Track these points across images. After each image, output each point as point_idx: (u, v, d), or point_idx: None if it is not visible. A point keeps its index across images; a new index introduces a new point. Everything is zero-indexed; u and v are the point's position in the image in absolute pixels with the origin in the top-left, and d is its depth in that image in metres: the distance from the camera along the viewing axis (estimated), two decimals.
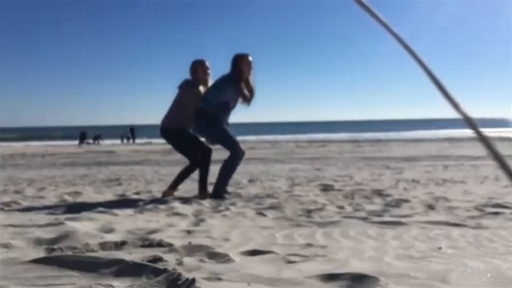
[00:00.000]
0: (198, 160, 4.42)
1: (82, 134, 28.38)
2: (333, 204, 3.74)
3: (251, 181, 5.97)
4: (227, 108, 4.38)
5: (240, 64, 4.37)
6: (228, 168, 4.35)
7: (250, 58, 4.43)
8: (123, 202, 4.08)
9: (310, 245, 2.19)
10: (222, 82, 4.40)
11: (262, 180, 6.06)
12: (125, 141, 29.23)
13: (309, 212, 3.31)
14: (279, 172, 7.55)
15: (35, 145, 25.65)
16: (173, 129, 4.44)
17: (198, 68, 4.51)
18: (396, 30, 0.77)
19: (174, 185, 4.49)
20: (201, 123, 4.35)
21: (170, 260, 1.85)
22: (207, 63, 4.56)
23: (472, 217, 3.00)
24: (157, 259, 1.85)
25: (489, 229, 2.58)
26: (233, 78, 4.35)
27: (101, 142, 28.52)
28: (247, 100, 4.40)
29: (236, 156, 4.35)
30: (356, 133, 36.34)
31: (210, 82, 4.54)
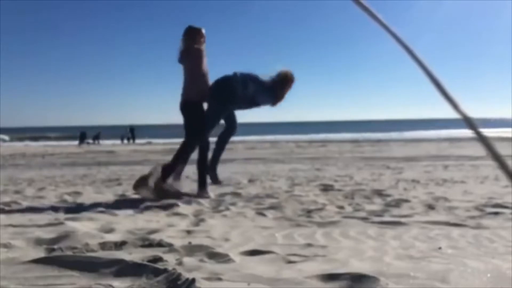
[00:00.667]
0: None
1: (82, 134, 28.40)
2: (333, 204, 3.74)
3: (251, 181, 5.97)
4: (248, 103, 4.47)
5: (285, 90, 4.52)
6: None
7: (294, 81, 4.54)
8: (123, 202, 4.08)
9: (310, 245, 2.19)
10: (266, 89, 4.47)
11: (262, 180, 6.05)
12: (125, 141, 29.23)
13: (309, 212, 3.31)
14: (279, 172, 7.55)
15: (35, 145, 25.66)
16: (191, 101, 4.33)
17: (197, 37, 4.41)
18: (395, 30, 0.77)
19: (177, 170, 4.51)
20: (218, 91, 4.36)
21: (170, 260, 1.85)
22: (203, 31, 4.48)
23: (472, 217, 3.00)
24: (157, 259, 1.85)
25: (489, 229, 2.58)
26: (274, 99, 4.51)
27: (100, 141, 28.53)
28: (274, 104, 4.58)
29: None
30: (356, 133, 36.34)
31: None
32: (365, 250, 2.10)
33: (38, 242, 2.24)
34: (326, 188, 4.95)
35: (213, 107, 4.35)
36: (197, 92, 4.32)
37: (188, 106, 4.33)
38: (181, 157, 4.34)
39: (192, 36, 4.40)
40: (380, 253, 2.02)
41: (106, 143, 27.79)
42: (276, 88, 4.46)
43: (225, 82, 4.38)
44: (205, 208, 3.59)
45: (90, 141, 28.48)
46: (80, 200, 4.36)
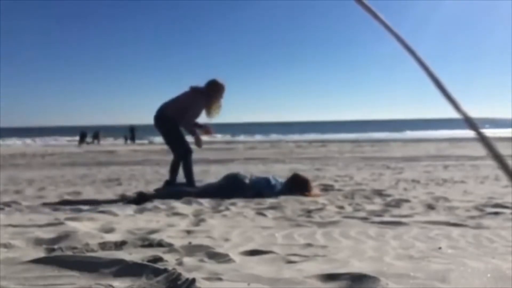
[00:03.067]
0: (180, 154, 4.82)
1: (82, 134, 28.37)
2: (333, 204, 3.74)
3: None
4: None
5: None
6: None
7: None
8: (123, 202, 4.07)
9: (310, 245, 2.19)
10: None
11: None
12: (128, 141, 29.21)
13: (309, 212, 3.31)
14: (279, 172, 7.55)
15: (35, 145, 25.67)
16: (171, 119, 4.74)
17: (222, 92, 4.91)
18: (396, 30, 0.77)
19: (172, 178, 4.83)
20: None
21: (170, 260, 1.85)
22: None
23: (472, 217, 3.00)
24: (157, 259, 1.85)
25: (489, 229, 2.58)
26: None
27: (100, 141, 28.52)
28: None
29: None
30: (356, 133, 36.34)
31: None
32: (365, 250, 2.10)
33: (38, 242, 2.24)
34: (326, 188, 4.95)
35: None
36: (178, 115, 4.75)
37: (163, 119, 4.80)
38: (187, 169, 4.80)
39: (218, 91, 4.90)
40: (380, 253, 2.02)
41: (107, 143, 27.83)
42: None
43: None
44: (205, 208, 3.59)
45: (90, 139, 28.42)
46: (80, 200, 4.36)
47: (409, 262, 1.85)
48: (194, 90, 4.89)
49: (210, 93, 4.85)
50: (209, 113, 4.91)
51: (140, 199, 4.07)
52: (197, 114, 4.84)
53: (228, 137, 32.04)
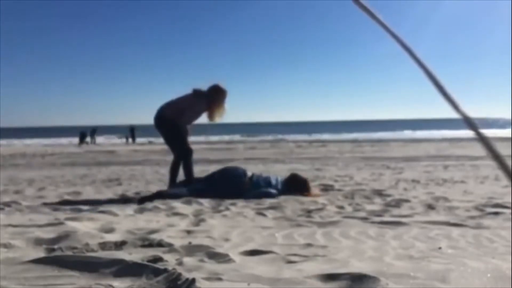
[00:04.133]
0: (180, 154, 4.82)
1: (82, 134, 28.38)
2: (333, 204, 3.74)
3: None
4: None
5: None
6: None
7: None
8: (123, 202, 4.08)
9: (310, 245, 2.19)
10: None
11: None
12: (130, 140, 29.22)
13: (309, 212, 3.31)
14: (279, 172, 7.54)
15: (35, 145, 25.68)
16: (170, 119, 4.75)
17: (223, 97, 4.92)
18: (395, 30, 0.77)
19: (172, 182, 4.77)
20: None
21: (170, 260, 1.85)
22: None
23: (472, 217, 3.00)
24: (157, 259, 1.85)
25: (489, 229, 2.58)
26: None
27: (96, 139, 28.61)
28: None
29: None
30: (356, 133, 36.36)
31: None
32: (365, 250, 2.10)
33: (38, 242, 2.24)
34: (326, 188, 4.95)
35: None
36: (177, 116, 4.76)
37: (163, 120, 4.80)
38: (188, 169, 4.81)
39: (219, 96, 4.92)
40: (380, 253, 2.02)
41: (107, 143, 27.85)
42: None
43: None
44: (205, 208, 3.59)
45: (88, 139, 28.38)
46: (80, 200, 4.36)
47: (409, 262, 1.85)
48: (196, 93, 4.91)
49: (212, 97, 4.87)
50: (211, 117, 4.92)
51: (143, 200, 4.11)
52: (196, 116, 4.87)
53: (228, 137, 32.16)
